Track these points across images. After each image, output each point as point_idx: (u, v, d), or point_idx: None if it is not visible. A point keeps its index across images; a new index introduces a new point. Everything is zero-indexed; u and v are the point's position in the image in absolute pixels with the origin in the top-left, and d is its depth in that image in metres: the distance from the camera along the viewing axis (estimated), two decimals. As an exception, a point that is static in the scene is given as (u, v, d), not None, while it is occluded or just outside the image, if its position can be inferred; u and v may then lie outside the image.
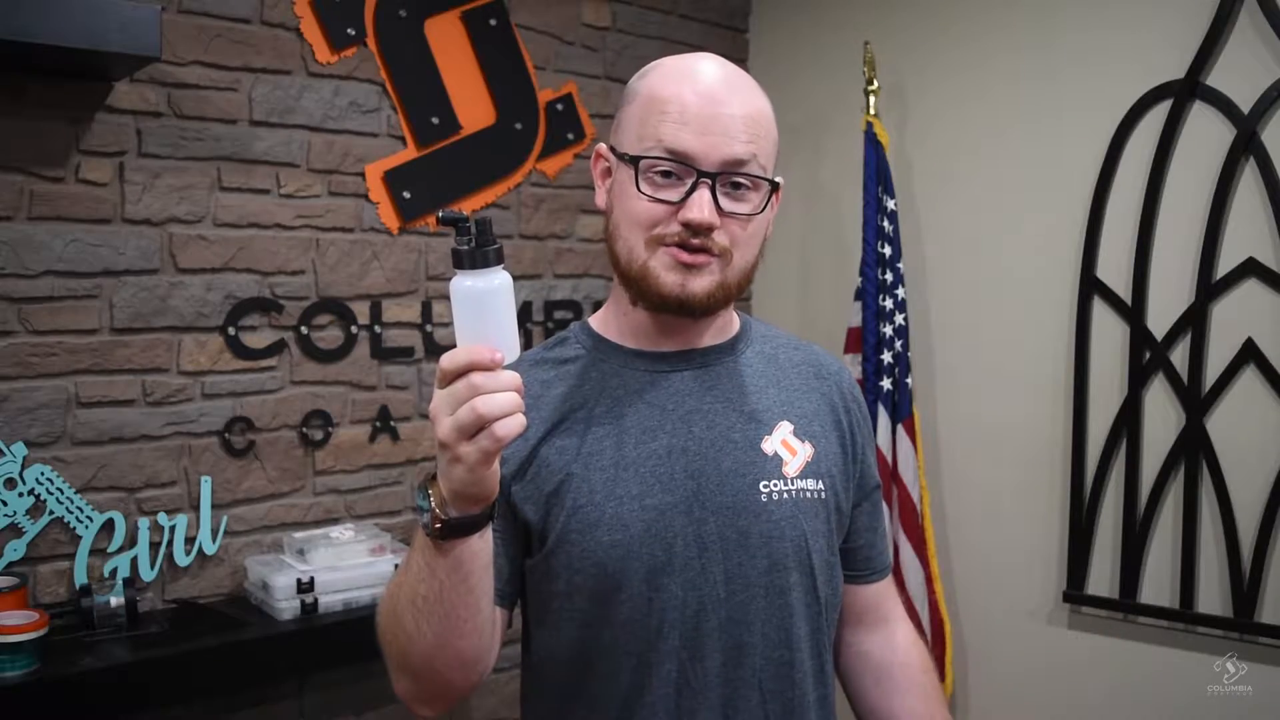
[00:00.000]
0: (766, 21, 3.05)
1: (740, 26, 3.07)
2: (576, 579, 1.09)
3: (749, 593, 1.10)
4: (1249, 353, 2.19)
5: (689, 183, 1.05)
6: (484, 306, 0.89)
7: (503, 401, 0.86)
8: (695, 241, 1.06)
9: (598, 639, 1.10)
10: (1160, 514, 2.32)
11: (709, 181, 1.05)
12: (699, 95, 1.06)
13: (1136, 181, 2.34)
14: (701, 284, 1.08)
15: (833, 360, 1.28)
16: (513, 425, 0.86)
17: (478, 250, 0.89)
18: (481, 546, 0.96)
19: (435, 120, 2.42)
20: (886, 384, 2.57)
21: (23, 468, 1.92)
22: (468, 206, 2.50)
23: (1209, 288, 2.24)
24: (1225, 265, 2.23)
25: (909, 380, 2.58)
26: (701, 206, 1.05)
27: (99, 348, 2.00)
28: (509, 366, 0.88)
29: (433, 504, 0.92)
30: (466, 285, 0.89)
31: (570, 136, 2.67)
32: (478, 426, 0.86)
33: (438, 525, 0.92)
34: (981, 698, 2.63)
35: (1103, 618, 2.43)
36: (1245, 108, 2.18)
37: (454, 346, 0.89)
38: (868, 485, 1.25)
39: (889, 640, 1.28)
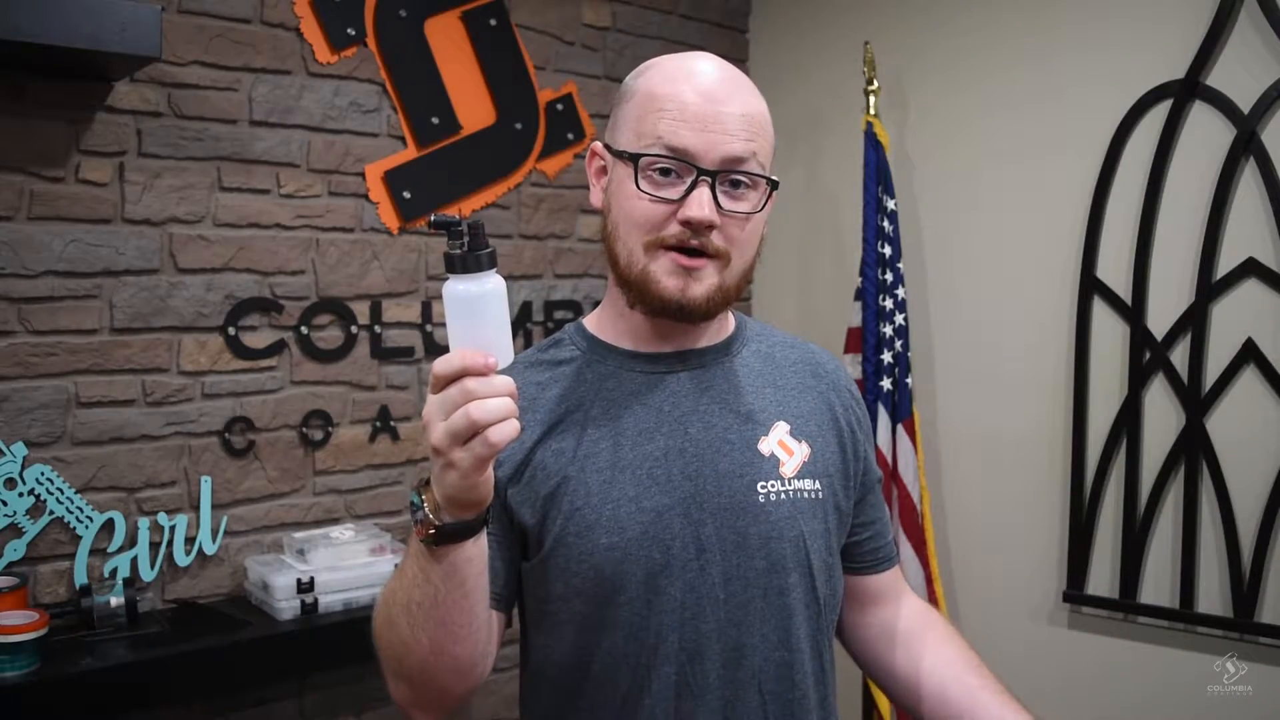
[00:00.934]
0: (766, 21, 3.04)
1: (740, 26, 3.07)
2: (574, 582, 1.08)
3: (748, 594, 1.10)
4: (1249, 353, 2.19)
5: (688, 181, 1.05)
6: (476, 311, 0.89)
7: (496, 407, 0.85)
8: (694, 242, 1.06)
9: (596, 642, 1.10)
10: (1160, 514, 2.32)
11: (708, 180, 1.05)
12: (698, 94, 1.06)
13: (1136, 181, 2.34)
14: (701, 289, 1.07)
15: (829, 358, 1.27)
16: (506, 431, 0.86)
17: (470, 254, 0.88)
18: (476, 552, 0.95)
19: (435, 120, 2.42)
20: (886, 384, 2.57)
21: (23, 468, 1.92)
22: (468, 207, 2.50)
23: (1209, 288, 2.24)
24: (1225, 265, 2.22)
25: (909, 380, 2.58)
26: (701, 205, 1.04)
27: (99, 348, 2.00)
28: (503, 371, 0.88)
29: (426, 510, 0.92)
30: (459, 289, 0.89)
31: (570, 136, 2.67)
32: (471, 432, 0.85)
33: (431, 531, 0.92)
34: (981, 698, 2.63)
35: (1103, 618, 2.43)
36: (1245, 108, 2.18)
37: (448, 350, 0.88)
38: (870, 480, 1.25)
39: (900, 609, 1.28)
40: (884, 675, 1.28)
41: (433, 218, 0.89)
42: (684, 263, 1.06)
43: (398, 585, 1.00)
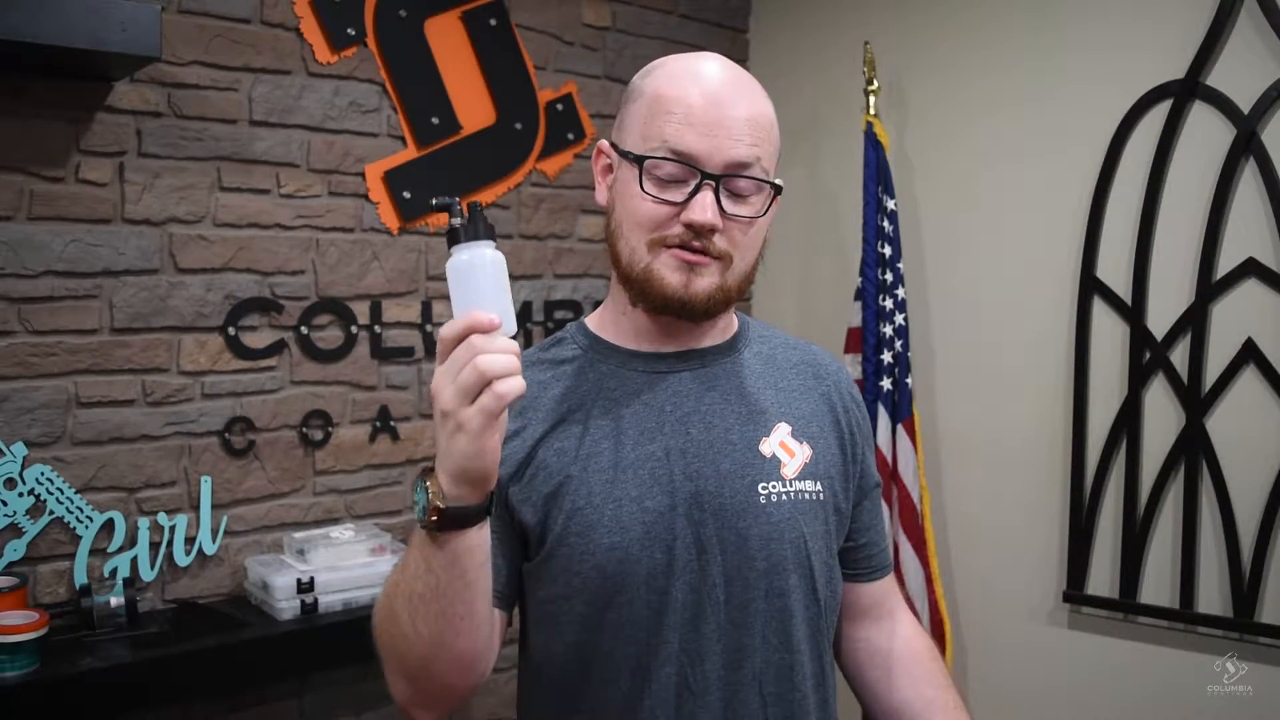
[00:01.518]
0: (766, 21, 3.05)
1: (740, 26, 3.07)
2: (576, 582, 1.08)
3: (748, 595, 1.10)
4: (1249, 353, 2.19)
5: (692, 184, 1.05)
6: (476, 277, 0.91)
7: (503, 360, 0.87)
8: (696, 244, 1.06)
9: (597, 642, 1.09)
10: (1160, 514, 2.32)
11: (712, 183, 1.05)
12: (704, 97, 1.06)
13: (1136, 181, 2.34)
14: (703, 285, 1.08)
15: (831, 360, 1.27)
16: (514, 385, 0.87)
17: (468, 224, 0.92)
18: (479, 541, 0.95)
19: (435, 120, 2.42)
20: (886, 384, 2.57)
21: (23, 468, 1.92)
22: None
23: (1209, 288, 2.24)
24: (1225, 265, 2.23)
25: (909, 380, 2.58)
26: (705, 208, 1.05)
27: (99, 348, 2.00)
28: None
29: (430, 495, 0.91)
30: (461, 258, 0.92)
31: (570, 136, 2.67)
32: (480, 385, 0.86)
33: (434, 517, 0.91)
34: (981, 698, 2.63)
35: (1103, 618, 2.43)
36: (1245, 108, 2.18)
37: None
38: (868, 484, 1.25)
39: (893, 632, 1.28)
40: (878, 704, 1.27)
41: (433, 200, 0.93)
42: (687, 258, 1.07)
43: (399, 579, 1.00)
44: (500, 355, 0.87)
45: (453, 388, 0.87)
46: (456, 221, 0.92)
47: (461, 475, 0.90)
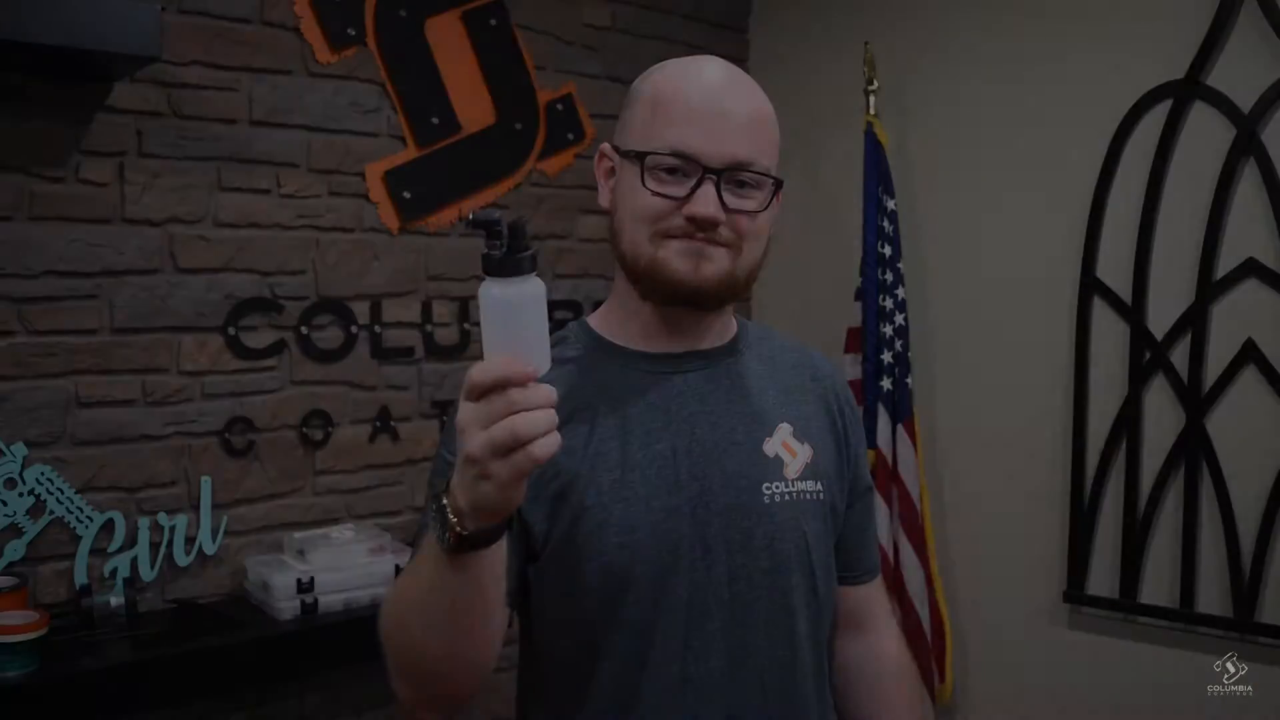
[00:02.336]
0: (766, 21, 3.05)
1: (740, 26, 3.07)
2: (583, 581, 1.08)
3: (753, 594, 1.11)
4: (1249, 353, 2.19)
5: (694, 179, 1.06)
6: (516, 317, 0.84)
7: (540, 420, 0.82)
8: (700, 236, 1.07)
9: (602, 640, 1.09)
10: (1160, 514, 2.32)
11: (714, 178, 1.06)
12: (704, 96, 1.07)
13: (1136, 181, 2.34)
14: (713, 269, 1.08)
15: (826, 362, 1.29)
16: (550, 445, 0.82)
17: (510, 257, 0.84)
18: (498, 556, 0.92)
19: (435, 120, 2.42)
20: (886, 384, 2.57)
21: (23, 468, 1.91)
22: (468, 207, 2.50)
23: (1209, 288, 2.24)
24: (1225, 265, 2.23)
25: (909, 380, 2.58)
26: (707, 201, 1.05)
27: (99, 348, 2.00)
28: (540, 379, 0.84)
29: (450, 516, 0.87)
30: (495, 294, 0.84)
31: (570, 136, 2.67)
32: (513, 445, 0.82)
33: (453, 540, 0.88)
34: (981, 698, 2.63)
35: (1103, 618, 2.43)
36: (1245, 108, 2.18)
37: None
38: (860, 486, 1.26)
39: (874, 648, 1.29)
40: (839, 709, 1.27)
41: (471, 215, 0.85)
42: (695, 241, 1.07)
43: (409, 585, 0.98)
44: (537, 414, 0.82)
45: (484, 437, 0.82)
46: (495, 250, 0.83)
47: (482, 511, 0.86)
